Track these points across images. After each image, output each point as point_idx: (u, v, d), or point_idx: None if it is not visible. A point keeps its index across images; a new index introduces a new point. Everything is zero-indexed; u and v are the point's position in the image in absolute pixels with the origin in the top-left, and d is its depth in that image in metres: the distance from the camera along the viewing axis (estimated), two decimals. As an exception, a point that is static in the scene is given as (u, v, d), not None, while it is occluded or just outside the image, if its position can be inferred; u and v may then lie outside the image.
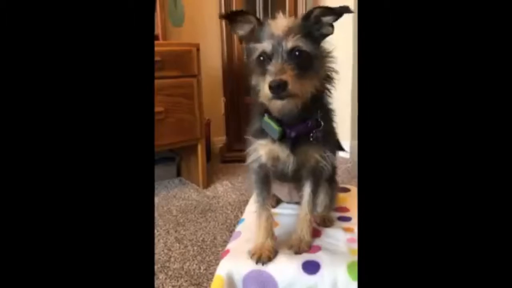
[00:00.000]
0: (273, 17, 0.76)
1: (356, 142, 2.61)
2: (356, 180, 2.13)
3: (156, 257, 1.37)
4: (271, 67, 0.68)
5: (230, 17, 0.76)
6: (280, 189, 1.05)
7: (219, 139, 2.75)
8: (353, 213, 1.02)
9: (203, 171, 2.03)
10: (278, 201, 1.12)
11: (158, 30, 2.08)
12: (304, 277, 0.75)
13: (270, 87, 0.66)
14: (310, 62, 0.71)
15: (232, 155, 2.46)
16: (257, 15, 2.54)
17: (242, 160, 0.87)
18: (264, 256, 0.78)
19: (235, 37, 2.41)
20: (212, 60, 2.59)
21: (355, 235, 0.89)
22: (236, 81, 2.46)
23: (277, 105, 0.71)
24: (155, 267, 1.31)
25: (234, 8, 2.35)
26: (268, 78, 0.66)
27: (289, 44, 0.68)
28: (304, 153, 0.79)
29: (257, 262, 0.78)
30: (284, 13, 0.78)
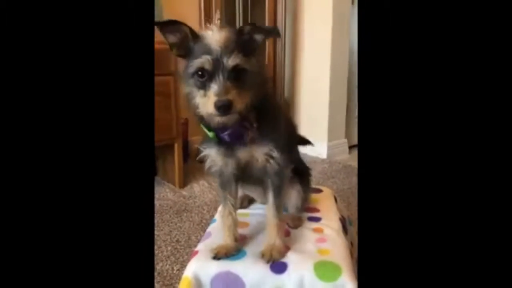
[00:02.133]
0: (206, 27, 0.76)
1: (332, 144, 2.65)
2: (330, 181, 2.16)
3: (128, 258, 1.35)
4: (215, 86, 0.69)
5: (161, 26, 0.75)
6: (253, 190, 1.05)
7: (196, 139, 2.73)
8: (323, 213, 1.03)
9: (180, 171, 2.02)
10: (250, 201, 1.12)
11: (135, 27, 2.05)
12: (272, 276, 0.76)
13: (217, 108, 0.67)
14: (247, 77, 0.73)
15: (210, 154, 2.45)
16: (237, 14, 2.55)
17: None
18: (220, 253, 0.82)
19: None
20: (191, 58, 2.57)
21: (324, 235, 0.90)
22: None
23: (219, 120, 0.72)
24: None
25: (213, 5, 2.34)
26: (213, 98, 0.68)
27: (230, 62, 0.69)
28: (245, 155, 0.80)
29: (213, 258, 0.82)
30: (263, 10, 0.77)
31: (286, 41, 2.51)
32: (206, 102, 0.70)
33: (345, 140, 2.77)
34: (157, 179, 2.19)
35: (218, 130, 0.77)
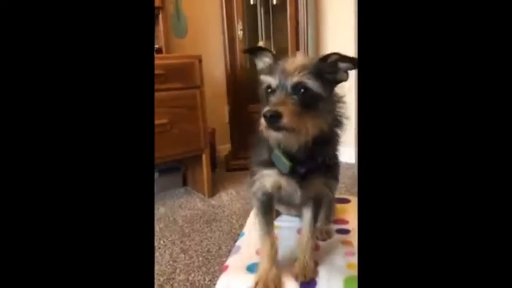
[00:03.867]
0: (292, 53, 0.80)
1: (361, 147, 2.59)
2: (361, 186, 2.12)
3: (162, 268, 1.40)
4: (273, 98, 0.69)
5: (251, 52, 0.81)
6: (284, 205, 1.05)
7: (224, 147, 2.77)
8: (352, 225, 1.02)
9: (208, 181, 2.06)
10: (277, 213, 1.13)
11: (161, 43, 2.12)
12: (302, 293, 0.76)
13: (265, 116, 0.66)
14: (315, 102, 0.71)
15: (237, 163, 2.48)
16: (259, 22, 2.57)
17: (247, 168, 0.88)
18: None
19: (237, 46, 2.44)
20: (215, 69, 2.62)
21: (353, 248, 0.90)
22: (240, 89, 2.49)
23: (272, 136, 0.70)
24: (161, 279, 1.33)
25: (235, 14, 2.38)
26: (266, 108, 0.66)
27: (294, 79, 0.69)
28: (310, 186, 0.79)
29: None
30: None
31: (309, 47, 2.51)
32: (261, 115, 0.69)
33: (374, 143, 2.71)
34: (187, 189, 2.25)
35: (297, 164, 0.75)
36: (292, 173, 0.76)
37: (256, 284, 0.78)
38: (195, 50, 2.39)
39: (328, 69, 0.73)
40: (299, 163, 0.75)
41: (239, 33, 2.43)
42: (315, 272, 0.81)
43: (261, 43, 2.54)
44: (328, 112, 0.74)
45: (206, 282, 1.31)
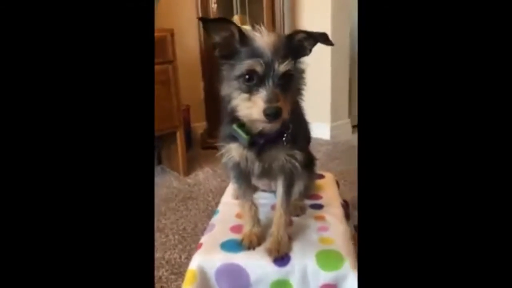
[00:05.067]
0: (253, 26, 0.74)
1: (335, 124, 2.63)
2: (334, 162, 2.16)
3: (137, 248, 1.38)
4: (264, 92, 0.67)
5: (208, 24, 0.73)
6: (259, 180, 1.05)
7: (200, 125, 2.72)
8: (325, 200, 1.04)
9: (183, 159, 2.03)
10: (254, 189, 1.13)
11: (130, 14, 2.02)
12: (275, 269, 0.77)
13: (267, 115, 0.66)
14: (292, 83, 0.72)
15: (213, 141, 2.45)
16: (234, 2, 2.48)
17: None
18: (253, 242, 0.83)
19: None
20: (189, 43, 2.53)
21: (325, 223, 0.91)
22: (215, 64, 2.41)
23: (265, 127, 0.72)
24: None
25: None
26: (261, 104, 0.66)
27: (282, 68, 0.68)
28: (271, 156, 0.80)
29: (248, 248, 0.82)
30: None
31: (285, 24, 2.46)
32: (251, 107, 0.68)
33: (348, 120, 2.75)
34: (162, 167, 2.21)
35: (256, 135, 0.76)
36: (252, 145, 0.78)
37: (242, 239, 0.84)
38: (167, 24, 2.28)
39: (295, 47, 0.73)
40: (258, 135, 0.77)
41: (213, 6, 2.34)
42: (289, 247, 0.81)
43: (236, 17, 2.47)
44: (296, 88, 0.77)
45: (182, 260, 1.31)
